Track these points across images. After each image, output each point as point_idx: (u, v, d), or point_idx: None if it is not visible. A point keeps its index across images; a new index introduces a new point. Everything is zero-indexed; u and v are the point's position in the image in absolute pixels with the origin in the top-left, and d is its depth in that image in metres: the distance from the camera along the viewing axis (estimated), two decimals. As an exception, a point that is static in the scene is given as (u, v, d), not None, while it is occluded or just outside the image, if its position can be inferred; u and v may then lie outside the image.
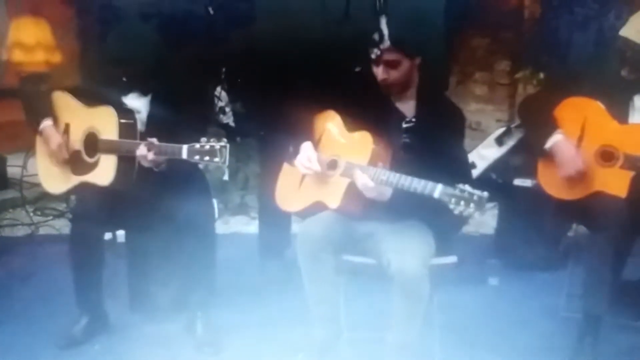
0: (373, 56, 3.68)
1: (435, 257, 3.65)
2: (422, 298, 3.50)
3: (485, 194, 3.23)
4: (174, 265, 4.27)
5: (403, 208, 3.52)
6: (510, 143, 5.95)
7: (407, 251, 3.50)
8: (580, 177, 3.98)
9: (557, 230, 5.08)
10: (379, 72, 3.70)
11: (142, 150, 3.82)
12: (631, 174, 3.89)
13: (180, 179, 4.00)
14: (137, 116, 4.03)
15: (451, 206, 3.25)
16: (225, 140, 3.70)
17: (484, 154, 6.01)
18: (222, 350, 4.06)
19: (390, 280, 3.47)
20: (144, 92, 4.10)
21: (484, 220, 5.88)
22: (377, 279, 3.57)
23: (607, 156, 3.98)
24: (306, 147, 3.80)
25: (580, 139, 4.05)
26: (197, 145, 3.64)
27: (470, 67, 7.65)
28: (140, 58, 3.99)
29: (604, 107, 4.00)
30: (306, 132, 3.88)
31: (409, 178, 3.43)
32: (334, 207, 3.69)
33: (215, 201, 5.99)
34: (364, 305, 4.13)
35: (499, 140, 5.91)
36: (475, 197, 3.23)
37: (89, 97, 4.14)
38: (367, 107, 3.76)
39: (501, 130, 6.04)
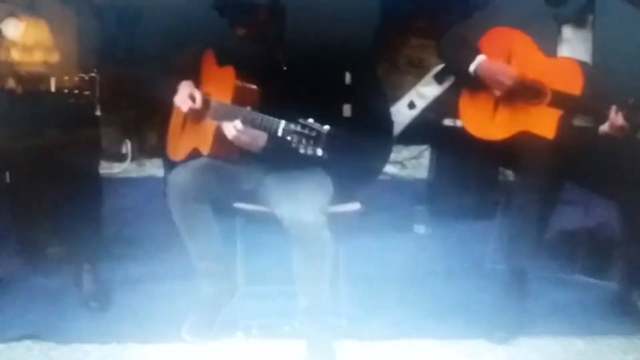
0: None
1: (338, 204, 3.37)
2: (323, 250, 3.21)
3: (326, 128, 2.88)
4: (61, 211, 3.83)
5: (286, 153, 3.07)
6: (450, 81, 5.54)
7: (300, 200, 3.19)
8: (506, 113, 3.64)
9: (486, 175, 4.71)
10: (237, 29, 3.43)
11: None
12: (559, 112, 3.53)
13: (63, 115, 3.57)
14: None
15: (293, 145, 2.91)
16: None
17: (422, 92, 5.64)
18: (109, 306, 3.72)
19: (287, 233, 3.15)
20: None
21: (421, 163, 5.51)
22: (279, 228, 3.23)
23: (533, 93, 3.59)
24: (185, 84, 3.49)
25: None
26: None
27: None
28: None
29: (531, 39, 3.63)
30: (184, 70, 3.57)
31: (266, 117, 3.10)
32: (206, 153, 3.39)
33: (128, 142, 5.69)
34: (268, 257, 3.72)
35: (439, 78, 5.50)
36: (313, 133, 2.88)
37: None
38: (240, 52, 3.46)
39: (441, 66, 5.60)
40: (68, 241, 3.90)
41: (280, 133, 3.01)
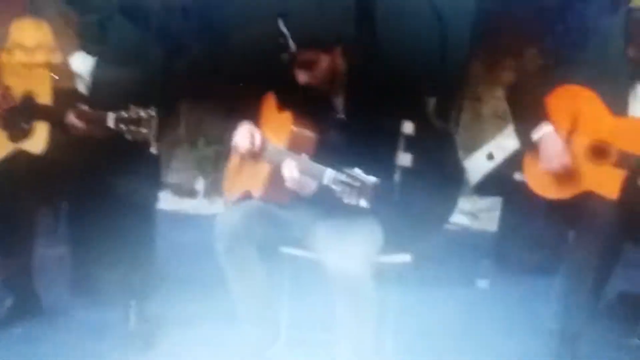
0: (286, 61, 3.33)
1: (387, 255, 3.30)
2: (366, 301, 3.13)
3: (372, 179, 2.84)
4: (115, 248, 3.80)
5: (335, 201, 3.01)
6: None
7: (345, 249, 3.10)
8: (568, 174, 3.53)
9: (555, 232, 4.57)
10: (298, 75, 3.33)
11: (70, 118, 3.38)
12: (624, 173, 3.41)
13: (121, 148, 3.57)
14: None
15: (338, 195, 2.88)
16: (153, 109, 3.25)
17: (503, 144, 5.54)
18: (153, 345, 3.70)
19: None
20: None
21: (495, 216, 5.39)
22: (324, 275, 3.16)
23: (599, 153, 3.49)
24: (245, 124, 3.46)
25: (570, 132, 3.58)
26: (124, 113, 3.18)
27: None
28: None
29: (600, 98, 3.53)
30: (245, 114, 3.54)
31: (315, 165, 3.08)
32: (257, 196, 3.35)
33: (201, 178, 5.69)
34: (311, 305, 3.64)
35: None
36: (357, 183, 2.83)
37: None
38: (299, 98, 3.41)
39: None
40: (118, 276, 3.85)
41: (325, 181, 2.96)
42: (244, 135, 3.44)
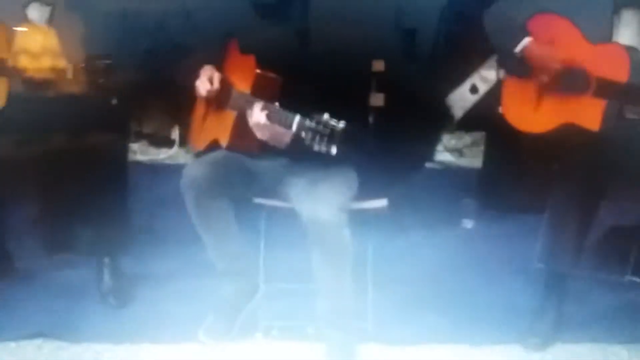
0: None
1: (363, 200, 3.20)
2: (341, 249, 3.03)
3: (341, 125, 2.68)
4: (86, 204, 3.66)
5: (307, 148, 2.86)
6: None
7: (318, 197, 2.99)
8: (550, 102, 3.47)
9: (540, 167, 4.45)
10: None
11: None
12: (604, 102, 3.30)
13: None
14: None
15: (307, 142, 2.73)
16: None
17: (485, 76, 5.46)
18: (127, 303, 3.60)
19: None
20: None
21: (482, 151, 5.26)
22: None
23: (578, 82, 3.37)
24: (206, 69, 3.31)
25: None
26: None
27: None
28: None
29: (578, 26, 3.42)
30: (208, 60, 3.39)
31: (281, 111, 2.94)
32: (224, 145, 3.21)
33: (177, 127, 5.57)
34: (289, 255, 3.51)
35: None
36: (327, 129, 2.68)
37: None
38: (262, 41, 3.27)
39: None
40: (90, 233, 3.72)
41: (294, 128, 2.82)
42: (203, 79, 3.29)
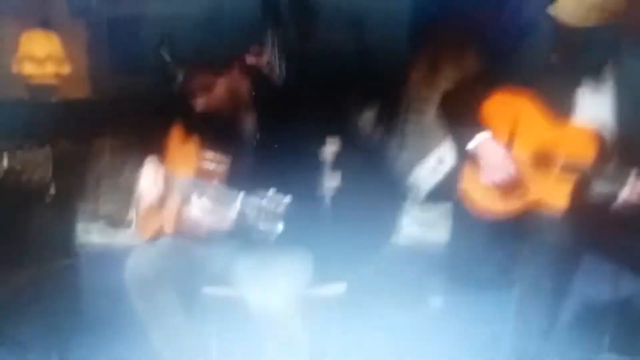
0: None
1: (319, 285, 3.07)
2: (295, 340, 2.90)
3: (285, 199, 2.62)
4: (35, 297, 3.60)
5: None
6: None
7: (267, 283, 2.85)
8: (512, 185, 3.30)
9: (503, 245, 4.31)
10: (194, 103, 3.08)
11: None
12: (571, 180, 3.21)
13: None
14: None
15: (253, 221, 2.64)
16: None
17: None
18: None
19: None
20: None
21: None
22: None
23: (543, 160, 3.29)
24: (149, 164, 3.24)
25: (510, 140, 3.38)
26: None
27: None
28: None
29: (540, 103, 3.34)
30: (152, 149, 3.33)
31: (224, 191, 2.82)
32: (169, 232, 3.12)
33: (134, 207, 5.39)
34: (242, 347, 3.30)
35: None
36: (270, 205, 2.61)
37: None
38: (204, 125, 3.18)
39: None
40: (37, 327, 3.63)
41: (239, 207, 2.71)
42: (147, 180, 3.20)
